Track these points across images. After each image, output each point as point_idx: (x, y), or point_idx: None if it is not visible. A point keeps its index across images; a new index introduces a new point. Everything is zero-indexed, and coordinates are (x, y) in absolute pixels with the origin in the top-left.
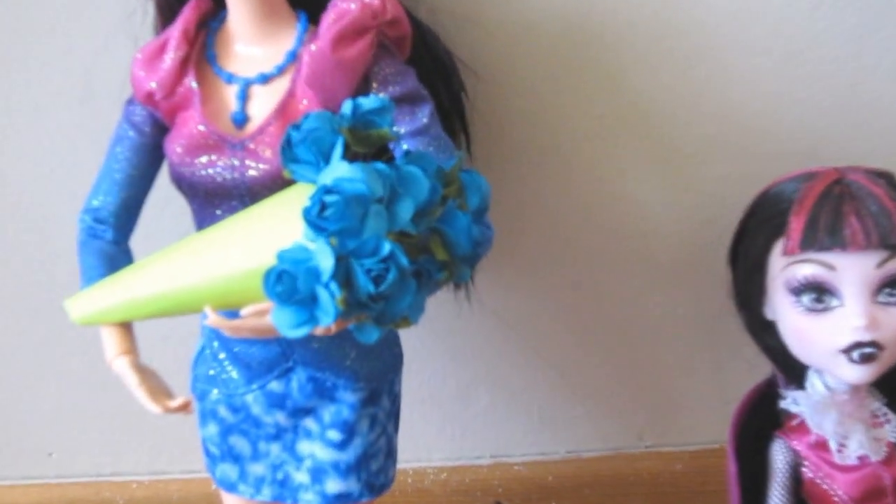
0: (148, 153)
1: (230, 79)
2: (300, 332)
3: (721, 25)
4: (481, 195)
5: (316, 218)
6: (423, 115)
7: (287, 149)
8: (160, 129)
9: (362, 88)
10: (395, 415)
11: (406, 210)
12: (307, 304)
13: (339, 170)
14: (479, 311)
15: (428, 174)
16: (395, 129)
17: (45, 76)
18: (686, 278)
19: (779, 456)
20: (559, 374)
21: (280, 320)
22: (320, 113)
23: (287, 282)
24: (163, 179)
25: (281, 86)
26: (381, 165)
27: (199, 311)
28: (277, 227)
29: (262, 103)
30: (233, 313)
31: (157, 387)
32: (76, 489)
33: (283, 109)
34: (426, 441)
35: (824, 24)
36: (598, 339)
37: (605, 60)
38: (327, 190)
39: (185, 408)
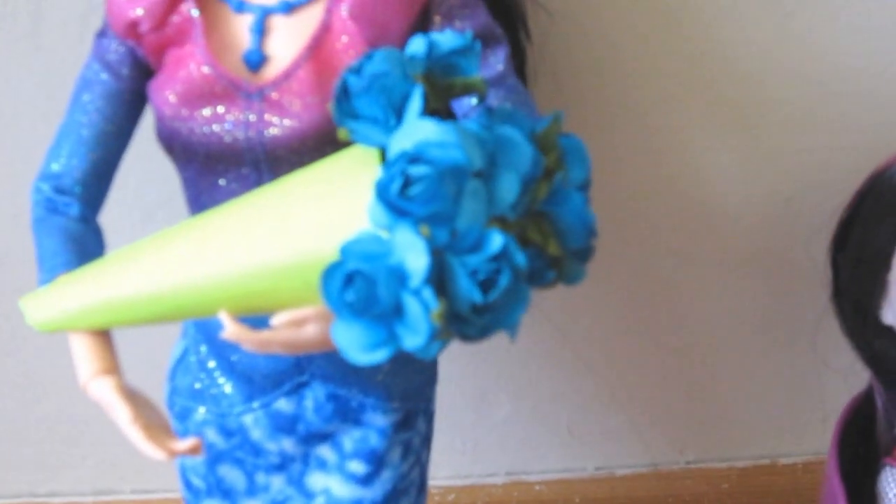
0: (125, 102)
1: (241, 7)
2: (376, 357)
3: None
4: (586, 167)
5: (397, 197)
6: (498, 60)
7: (343, 100)
8: (141, 71)
9: (420, 23)
10: (429, 440)
11: (510, 187)
12: (387, 316)
13: (423, 130)
14: None
15: (525, 138)
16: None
17: None
18: (755, 268)
19: (892, 487)
20: (595, 379)
21: (348, 339)
22: (388, 52)
23: (362, 287)
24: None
25: (311, 17)
26: (473, 125)
27: (209, 315)
28: (330, 207)
29: (286, 39)
30: (254, 319)
31: (155, 422)
32: None
33: (316, 48)
34: (432, 456)
35: None
36: (646, 337)
37: (690, 6)
38: (411, 158)
39: (195, 451)
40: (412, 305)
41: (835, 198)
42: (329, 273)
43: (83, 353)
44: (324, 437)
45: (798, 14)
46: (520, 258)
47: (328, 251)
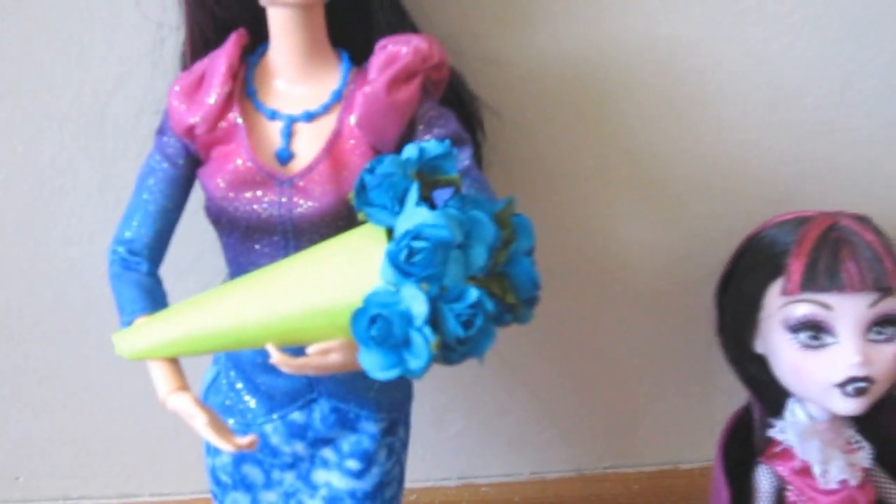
0: (181, 185)
1: (273, 115)
2: (390, 375)
3: (711, 78)
4: (531, 238)
5: (404, 263)
6: (465, 157)
7: (361, 192)
8: (192, 162)
9: (407, 131)
10: (406, 445)
11: (480, 255)
12: (398, 346)
13: (420, 215)
14: None
15: (489, 218)
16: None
17: (51, 105)
18: (660, 309)
19: (764, 481)
20: (533, 399)
21: (370, 363)
22: (392, 158)
23: (382, 326)
24: None
25: (327, 124)
26: (453, 211)
27: (259, 347)
28: (352, 269)
29: (308, 141)
30: (290, 349)
31: (222, 425)
32: None
33: (331, 148)
34: None
35: (807, 75)
36: (576, 367)
37: (607, 106)
38: (414, 236)
39: (252, 445)
40: (417, 338)
41: (719, 254)
42: (358, 316)
43: (162, 375)
44: (327, 442)
45: (688, 113)
46: (489, 305)
47: (352, 300)
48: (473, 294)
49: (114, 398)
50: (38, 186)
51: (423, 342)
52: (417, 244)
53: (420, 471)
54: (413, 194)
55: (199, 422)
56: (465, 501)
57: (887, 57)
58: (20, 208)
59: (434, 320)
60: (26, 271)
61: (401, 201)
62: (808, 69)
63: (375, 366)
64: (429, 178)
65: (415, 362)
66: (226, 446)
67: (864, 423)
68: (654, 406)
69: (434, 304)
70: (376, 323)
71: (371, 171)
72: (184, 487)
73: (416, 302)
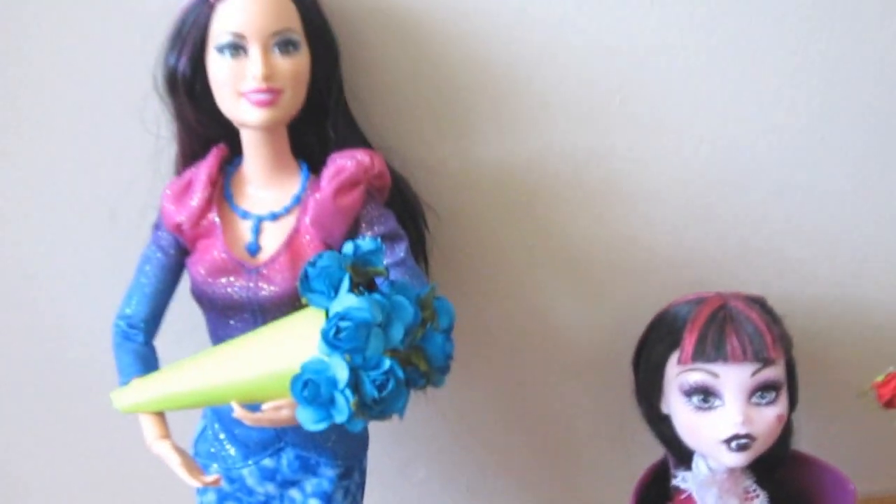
0: (172, 271)
1: (245, 215)
2: (319, 427)
3: (624, 181)
4: (450, 317)
5: (332, 338)
6: (401, 250)
7: (304, 281)
8: (182, 252)
9: (353, 227)
10: (362, 487)
11: (398, 332)
12: (326, 404)
13: (348, 300)
14: (421, 400)
15: (411, 302)
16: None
17: (73, 202)
18: (594, 377)
19: None
20: (487, 452)
21: (303, 417)
22: (330, 253)
23: (312, 388)
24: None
25: (288, 223)
26: (378, 296)
27: (227, 403)
28: (296, 342)
29: (273, 236)
30: (252, 406)
31: (193, 465)
32: None
33: (291, 243)
34: None
35: (711, 175)
36: (520, 424)
37: (535, 203)
38: (341, 317)
39: (217, 482)
40: (339, 398)
41: (637, 328)
42: (294, 380)
43: (150, 425)
44: (293, 483)
45: (605, 210)
46: (399, 373)
47: (295, 367)
48: (386, 363)
49: (119, 451)
50: (63, 270)
51: (344, 401)
52: (344, 324)
53: None
54: (345, 283)
55: (173, 462)
56: None
57: (793, 148)
58: (49, 289)
59: (355, 384)
60: (37, 341)
61: (336, 289)
62: (714, 169)
63: (308, 419)
64: (361, 269)
65: (339, 417)
66: (194, 482)
67: (763, 474)
68: (593, 458)
69: (355, 371)
70: (307, 386)
71: (313, 264)
72: None
73: (340, 369)
